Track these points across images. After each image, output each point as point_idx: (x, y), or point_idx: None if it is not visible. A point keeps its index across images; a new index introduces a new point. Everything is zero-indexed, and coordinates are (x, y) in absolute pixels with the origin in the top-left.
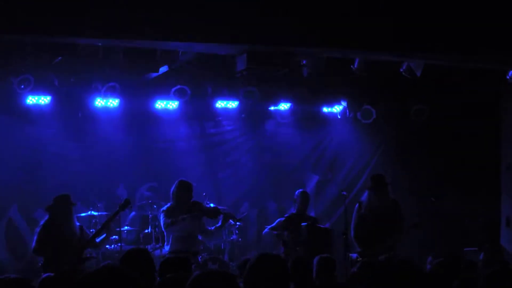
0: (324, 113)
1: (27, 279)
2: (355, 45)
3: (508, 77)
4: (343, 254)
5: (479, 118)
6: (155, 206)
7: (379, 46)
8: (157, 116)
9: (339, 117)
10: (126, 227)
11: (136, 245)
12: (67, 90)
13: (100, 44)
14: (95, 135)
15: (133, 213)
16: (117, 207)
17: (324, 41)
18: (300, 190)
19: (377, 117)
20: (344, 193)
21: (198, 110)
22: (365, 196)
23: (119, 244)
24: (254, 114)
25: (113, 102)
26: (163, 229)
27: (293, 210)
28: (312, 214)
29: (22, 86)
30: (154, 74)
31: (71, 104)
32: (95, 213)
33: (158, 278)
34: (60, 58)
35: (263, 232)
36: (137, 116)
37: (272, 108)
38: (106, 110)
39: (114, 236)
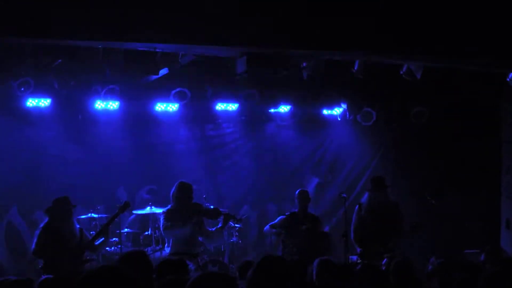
0: (324, 115)
1: (28, 280)
2: (355, 47)
3: (508, 79)
4: (343, 256)
5: (479, 120)
6: (154, 208)
7: (379, 48)
8: (157, 118)
9: (339, 119)
10: (126, 229)
11: (136, 247)
12: (67, 92)
13: (100, 46)
14: (95, 138)
15: (133, 215)
16: (117, 210)
17: (324, 44)
18: (300, 189)
19: (377, 119)
20: (344, 195)
21: (198, 113)
22: (365, 198)
23: (119, 246)
24: (254, 117)
25: (113, 105)
26: (162, 231)
27: (295, 209)
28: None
29: (22, 89)
30: (154, 77)
31: (71, 107)
32: (95, 216)
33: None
34: (60, 60)
35: (264, 229)
36: (137, 119)
37: (272, 110)
38: (106, 112)
39: (114, 238)
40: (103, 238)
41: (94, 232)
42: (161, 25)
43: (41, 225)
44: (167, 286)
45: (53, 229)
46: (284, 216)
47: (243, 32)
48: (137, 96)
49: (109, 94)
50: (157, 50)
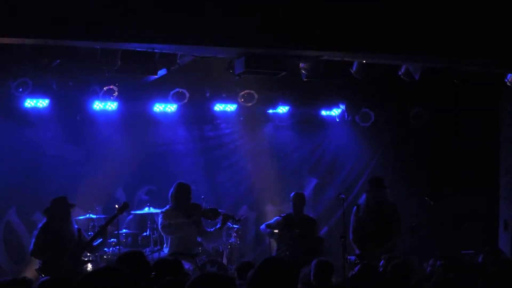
0: (322, 116)
1: (25, 279)
2: (354, 48)
3: (506, 80)
4: (341, 257)
5: (478, 121)
6: (152, 209)
7: (377, 49)
8: (155, 119)
9: (337, 120)
10: (124, 230)
11: (134, 248)
12: (65, 93)
13: (98, 47)
14: (93, 138)
15: (131, 216)
16: (116, 210)
17: (322, 44)
18: (295, 192)
19: (375, 120)
20: (343, 196)
21: (196, 113)
22: (363, 199)
23: (118, 247)
24: (252, 117)
25: (111, 105)
26: (160, 231)
27: (291, 211)
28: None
29: (20, 89)
30: (153, 77)
31: (70, 107)
32: (94, 216)
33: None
34: (58, 61)
35: (260, 227)
36: (136, 119)
37: (270, 111)
38: (104, 113)
39: (112, 239)
40: (101, 239)
41: (92, 232)
42: (159, 25)
43: (39, 225)
44: (166, 287)
45: (51, 230)
46: (279, 217)
47: (241, 33)
48: (135, 96)
49: (107, 95)
50: (156, 50)
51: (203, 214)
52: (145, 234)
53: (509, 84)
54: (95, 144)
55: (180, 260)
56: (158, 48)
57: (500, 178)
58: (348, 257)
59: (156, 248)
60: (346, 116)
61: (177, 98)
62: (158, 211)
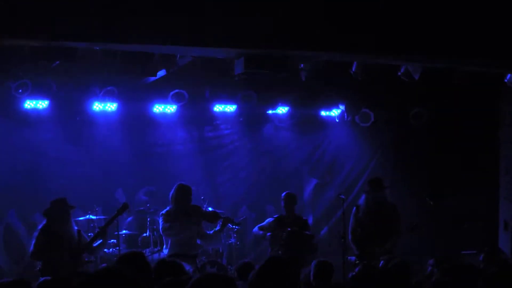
0: (322, 116)
1: (23, 280)
2: (353, 48)
3: (506, 80)
4: (341, 257)
5: (478, 121)
6: (152, 210)
7: (378, 49)
8: (155, 120)
9: (337, 120)
10: (124, 231)
11: (134, 248)
12: (65, 94)
13: (98, 48)
14: (93, 139)
15: (131, 217)
16: (115, 211)
17: (322, 45)
18: (285, 192)
19: (375, 120)
20: (342, 196)
21: (196, 114)
22: (362, 200)
23: (117, 248)
24: (252, 118)
25: (111, 106)
26: (161, 232)
27: (283, 212)
28: (310, 217)
29: (20, 91)
30: (152, 78)
31: (69, 108)
32: (93, 217)
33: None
34: (58, 62)
35: (253, 230)
36: (135, 120)
37: (270, 111)
38: (104, 114)
39: (112, 240)
40: (101, 240)
41: (92, 233)
42: (159, 26)
43: (39, 227)
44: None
45: (51, 231)
46: (272, 219)
47: (241, 34)
48: (135, 97)
49: (107, 96)
50: (155, 51)
51: (203, 216)
52: (145, 235)
53: (508, 85)
54: (94, 145)
55: (180, 261)
56: (157, 49)
57: (500, 178)
58: (348, 257)
59: (156, 249)
60: (345, 117)
61: (177, 99)
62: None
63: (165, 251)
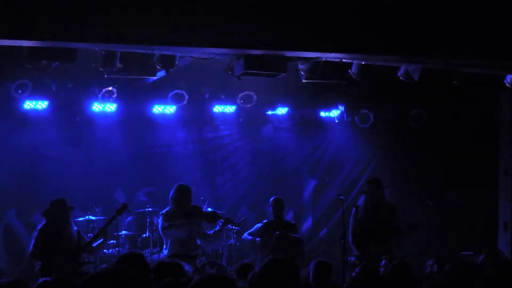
0: (321, 117)
1: (21, 281)
2: (353, 49)
3: (505, 81)
4: (341, 258)
5: (477, 122)
6: (151, 210)
7: (377, 50)
8: (154, 120)
9: (336, 121)
10: (123, 232)
11: (134, 249)
12: (64, 95)
13: (97, 48)
14: (93, 140)
15: (130, 217)
16: (115, 212)
17: (321, 46)
18: (273, 197)
19: (374, 121)
20: (342, 197)
21: (195, 115)
22: (361, 201)
23: (117, 249)
24: (251, 119)
25: (110, 107)
26: (160, 233)
27: (271, 217)
28: (310, 218)
29: (20, 91)
30: (152, 79)
31: (69, 109)
32: (93, 218)
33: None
34: (57, 63)
35: (242, 237)
36: (135, 121)
37: (269, 112)
38: (103, 114)
39: (111, 241)
40: (101, 240)
41: (92, 234)
42: (158, 27)
43: (39, 227)
44: None
45: (50, 231)
46: (261, 224)
47: (240, 34)
48: (134, 98)
49: (106, 96)
50: (155, 52)
51: (203, 217)
52: (144, 235)
53: (508, 86)
54: (94, 145)
55: (180, 261)
56: (157, 49)
57: (499, 178)
58: (348, 258)
59: (155, 250)
60: (345, 117)
61: (176, 99)
62: (157, 211)
63: (165, 252)
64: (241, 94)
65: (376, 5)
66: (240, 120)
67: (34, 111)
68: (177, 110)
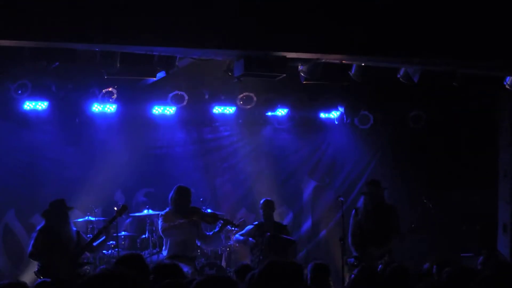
0: (321, 118)
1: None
2: (352, 51)
3: (505, 83)
4: (340, 259)
5: (477, 123)
6: (151, 211)
7: (376, 52)
8: (154, 121)
9: (336, 122)
10: (123, 233)
11: (133, 250)
12: (64, 95)
13: (97, 49)
14: (92, 141)
15: (130, 218)
16: (114, 213)
17: (321, 47)
18: (263, 199)
19: (374, 122)
20: (342, 198)
21: (195, 116)
22: (361, 202)
23: (116, 250)
24: (251, 120)
25: (110, 108)
26: (160, 234)
27: (262, 219)
28: (309, 219)
29: (20, 92)
30: (151, 80)
31: (69, 110)
32: (92, 219)
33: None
34: (57, 63)
35: (234, 238)
36: (135, 122)
37: (269, 113)
38: (103, 115)
39: (111, 242)
40: (102, 238)
41: (91, 235)
42: (158, 28)
43: (38, 227)
44: None
45: (49, 232)
46: (252, 226)
47: (240, 35)
48: (134, 99)
49: (106, 97)
50: (155, 53)
51: (203, 218)
52: (144, 236)
53: (508, 87)
54: (94, 146)
55: (179, 263)
56: (157, 50)
57: (498, 180)
58: (347, 260)
59: (155, 251)
60: (345, 119)
61: (176, 100)
62: (156, 213)
63: (164, 253)
64: (241, 95)
65: (376, 5)
66: (240, 121)
67: (34, 111)
68: (177, 111)
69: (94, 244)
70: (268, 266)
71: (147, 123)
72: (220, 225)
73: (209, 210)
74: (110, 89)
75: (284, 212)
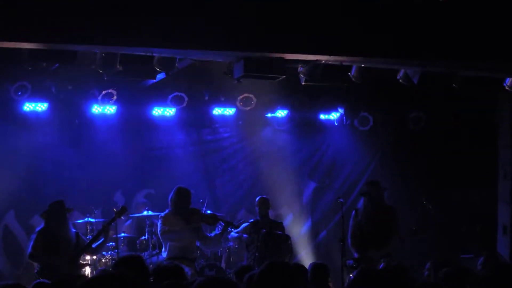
0: (321, 120)
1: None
2: (352, 52)
3: (504, 84)
4: (340, 261)
5: (477, 125)
6: (151, 212)
7: (376, 53)
8: (154, 123)
9: (336, 124)
10: (122, 234)
11: (132, 251)
12: (64, 97)
13: (97, 51)
14: (92, 142)
15: (130, 220)
16: (114, 214)
17: (321, 48)
18: (259, 197)
19: (374, 124)
20: (341, 200)
21: (195, 117)
22: (361, 203)
23: (116, 251)
24: (251, 121)
25: (110, 109)
26: (159, 236)
27: (257, 217)
28: (309, 220)
29: (19, 93)
30: (151, 81)
31: (68, 111)
32: (92, 220)
33: None
34: (57, 65)
35: (229, 236)
36: (134, 123)
37: (269, 115)
38: (103, 117)
39: (110, 243)
40: (101, 240)
41: (91, 236)
42: (158, 29)
43: (37, 229)
44: None
45: (49, 233)
46: (247, 223)
47: (240, 37)
48: (134, 100)
49: (106, 98)
50: (154, 54)
51: (203, 219)
52: (143, 238)
53: (507, 89)
54: (93, 147)
55: (179, 264)
56: (156, 52)
57: (498, 181)
58: (347, 261)
59: (154, 252)
60: (344, 120)
61: (176, 101)
62: (156, 214)
63: (164, 254)
64: (241, 96)
65: (376, 6)
66: (240, 122)
67: (33, 113)
68: (176, 112)
69: (94, 245)
70: (268, 266)
71: (147, 124)
72: (220, 227)
73: (208, 211)
74: (110, 90)
75: (284, 213)
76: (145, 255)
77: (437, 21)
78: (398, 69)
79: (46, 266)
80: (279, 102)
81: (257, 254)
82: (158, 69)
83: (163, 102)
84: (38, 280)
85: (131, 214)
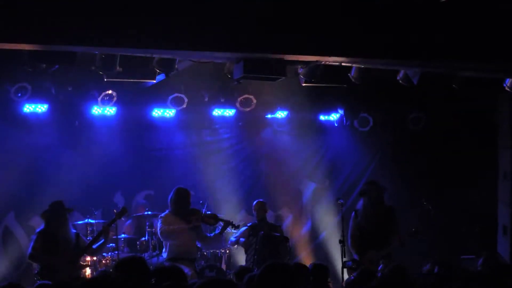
0: (321, 121)
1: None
2: (352, 53)
3: (504, 85)
4: (340, 262)
5: (476, 125)
6: (150, 213)
7: (376, 54)
8: (154, 124)
9: (336, 125)
10: (122, 235)
11: (133, 252)
12: (64, 98)
13: (97, 52)
14: (92, 143)
15: (129, 221)
16: (114, 215)
17: (321, 49)
18: (256, 200)
19: (374, 125)
20: (341, 201)
21: (195, 118)
22: (360, 204)
23: (116, 252)
24: (251, 122)
25: (110, 110)
26: (159, 236)
27: (255, 220)
28: (309, 221)
29: (19, 94)
30: (151, 82)
31: (68, 112)
32: (92, 221)
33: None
34: (57, 66)
35: (229, 242)
36: (134, 124)
37: (269, 116)
38: (103, 118)
39: (110, 244)
40: (102, 241)
41: (91, 237)
42: (158, 31)
43: (38, 230)
44: None
45: (49, 234)
46: (245, 227)
47: (240, 38)
48: (134, 101)
49: (106, 100)
50: (154, 56)
51: (203, 219)
52: (143, 239)
53: (507, 89)
54: (93, 149)
55: (180, 265)
56: (156, 53)
57: (498, 182)
58: (346, 262)
59: (154, 253)
60: (344, 121)
61: (176, 103)
62: (156, 213)
63: (164, 255)
64: (241, 97)
65: (376, 6)
66: (240, 123)
67: (33, 114)
68: (176, 114)
69: (94, 246)
70: (268, 267)
71: (147, 125)
72: (220, 227)
73: (208, 212)
74: (109, 91)
75: (284, 214)
76: (145, 256)
77: (437, 21)
78: (398, 70)
79: (46, 266)
80: (279, 103)
81: (255, 256)
82: (158, 70)
83: (163, 103)
84: (40, 282)
85: (131, 215)
